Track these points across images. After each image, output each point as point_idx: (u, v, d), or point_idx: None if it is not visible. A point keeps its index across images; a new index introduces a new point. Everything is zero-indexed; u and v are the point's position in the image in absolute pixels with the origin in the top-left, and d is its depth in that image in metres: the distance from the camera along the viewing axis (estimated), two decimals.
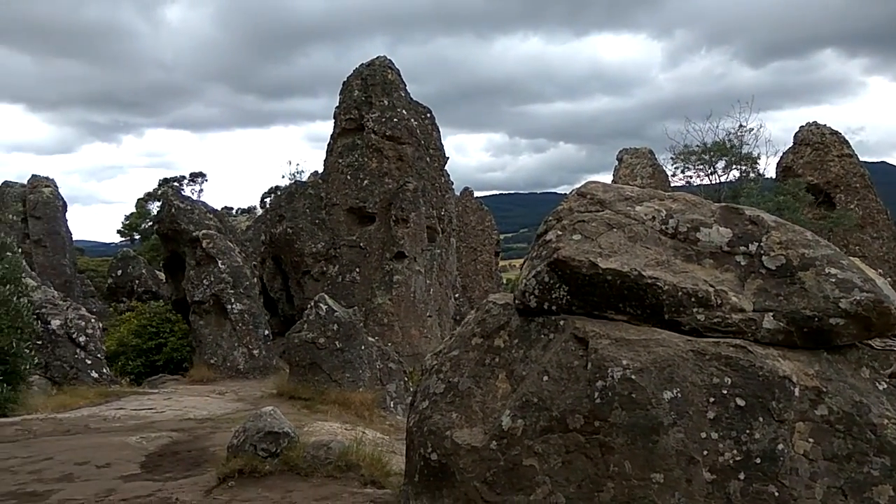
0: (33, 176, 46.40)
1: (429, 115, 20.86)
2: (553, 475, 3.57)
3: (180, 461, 6.48)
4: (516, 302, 4.08)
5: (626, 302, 3.73)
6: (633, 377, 3.47)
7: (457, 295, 24.58)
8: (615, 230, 3.92)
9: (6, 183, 44.94)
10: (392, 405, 12.01)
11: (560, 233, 3.93)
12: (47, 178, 47.08)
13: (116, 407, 9.89)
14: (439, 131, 21.28)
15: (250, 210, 57.56)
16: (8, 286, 10.93)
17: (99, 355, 12.51)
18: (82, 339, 12.29)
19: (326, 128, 20.25)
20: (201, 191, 56.24)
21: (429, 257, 19.18)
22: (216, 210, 20.04)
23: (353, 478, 5.56)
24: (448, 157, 21.51)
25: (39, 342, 11.47)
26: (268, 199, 55.59)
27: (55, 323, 12.25)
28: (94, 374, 12.01)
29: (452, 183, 22.06)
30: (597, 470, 3.51)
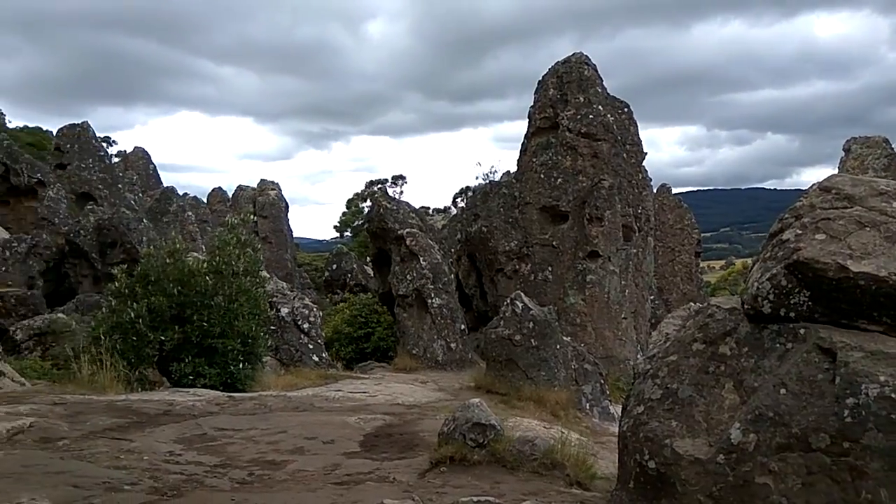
0: (261, 180, 52.67)
1: (626, 109, 20.18)
2: (791, 496, 3.27)
3: (394, 443, 6.94)
4: (745, 307, 3.79)
5: (883, 310, 3.30)
6: (892, 395, 3.06)
7: (653, 297, 23.52)
8: (868, 229, 3.48)
9: (240, 187, 51.57)
10: (588, 407, 11.83)
11: (800, 232, 3.58)
12: (272, 182, 53.14)
13: (335, 389, 10.88)
14: (637, 126, 20.50)
15: (445, 210, 60.08)
16: (248, 278, 12.51)
17: (319, 341, 13.87)
18: (306, 325, 13.71)
19: (514, 128, 20.64)
20: (401, 192, 59.92)
21: (624, 257, 18.57)
22: (417, 209, 21.19)
23: (559, 476, 5.57)
24: (646, 153, 20.66)
25: (272, 327, 12.98)
26: (460, 199, 57.65)
27: (284, 311, 13.80)
28: (315, 358, 13.34)
29: (650, 179, 21.14)
30: (844, 495, 3.15)
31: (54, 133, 38.12)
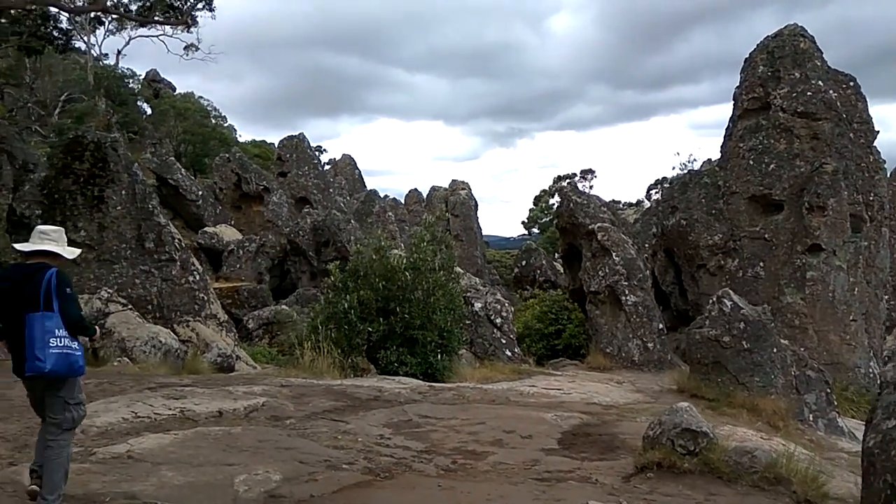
0: (452, 181, 54.59)
1: (852, 84, 17.77)
2: None
3: (593, 443, 6.74)
4: None
5: None
6: None
7: (888, 296, 20.42)
8: None
9: (433, 188, 53.98)
10: (811, 418, 10.56)
11: None
12: (463, 182, 54.81)
13: (529, 384, 10.89)
14: (866, 102, 17.95)
15: (637, 203, 57.73)
16: (443, 273, 12.97)
17: (511, 336, 13.99)
18: (498, 320, 13.90)
19: (712, 113, 19.17)
20: (591, 187, 58.72)
21: (852, 250, 16.34)
22: (608, 203, 20.52)
23: (783, 493, 5.01)
24: (878, 132, 18.00)
25: (467, 321, 13.33)
26: (654, 192, 54.94)
27: (477, 305, 14.11)
28: (508, 353, 13.47)
29: (884, 162, 18.37)
30: None
31: (276, 145, 42.90)
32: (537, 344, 17.49)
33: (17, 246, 4.24)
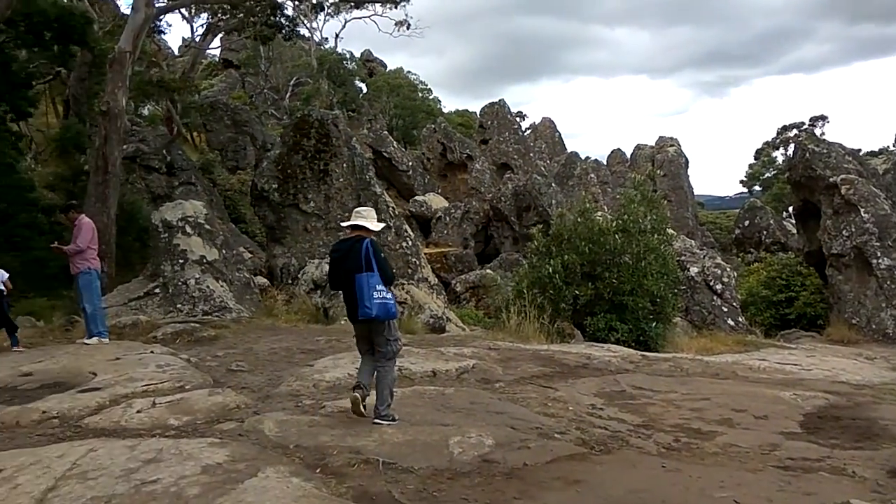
0: (659, 137, 51.30)
1: None
2: None
3: (844, 428, 5.81)
4: None
5: None
6: None
7: None
8: None
9: (637, 146, 51.20)
10: None
11: None
12: (671, 138, 51.25)
13: (758, 357, 9.81)
14: None
15: (884, 151, 49.55)
16: (656, 235, 12.15)
17: (734, 304, 12.75)
18: (718, 286, 12.73)
19: None
20: (822, 134, 51.50)
21: None
22: (855, 152, 17.70)
23: None
24: None
25: (682, 287, 12.39)
26: None
27: (693, 270, 13.04)
28: (730, 322, 12.29)
29: None
30: None
31: (478, 113, 43.59)
32: (764, 313, 15.80)
33: (343, 223, 5.42)
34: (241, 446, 4.26)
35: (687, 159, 47.92)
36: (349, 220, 5.14)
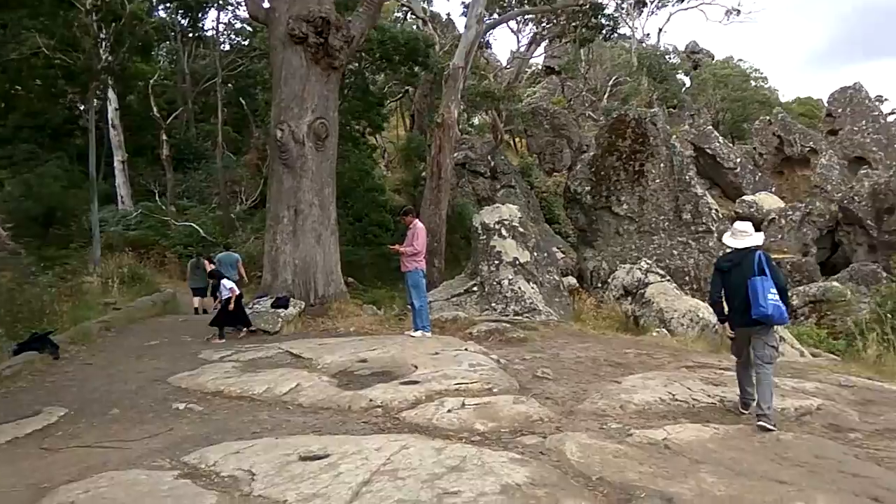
0: None
1: None
2: None
3: None
4: None
5: None
6: None
7: None
8: None
9: None
10: None
11: None
12: None
13: None
14: None
15: None
16: None
17: None
18: None
19: None
20: None
21: None
22: None
23: None
24: None
25: None
26: None
27: None
28: None
29: None
30: None
31: (825, 100, 37.62)
32: None
33: (728, 243, 5.61)
34: (542, 468, 4.04)
35: None
36: (732, 238, 5.51)
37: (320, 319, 10.62)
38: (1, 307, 9.56)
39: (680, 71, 47.34)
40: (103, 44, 20.87)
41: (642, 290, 12.94)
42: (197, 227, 22.63)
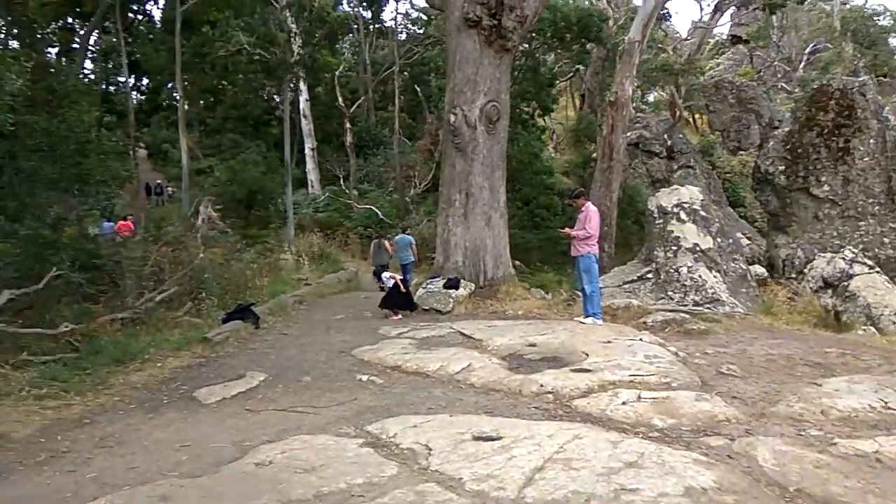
0: None
1: None
2: None
3: None
4: None
5: None
6: None
7: None
8: None
9: None
10: None
11: None
12: None
13: None
14: None
15: None
16: None
17: None
18: None
19: None
20: None
21: None
22: None
23: None
24: None
25: None
26: None
27: None
28: None
29: None
30: None
31: None
32: None
33: None
34: (730, 472, 3.74)
35: None
36: None
37: (489, 301, 10.76)
38: (213, 280, 10.84)
39: (891, 34, 41.24)
40: (296, 38, 22.71)
41: (846, 283, 11.54)
42: (376, 209, 24.04)
